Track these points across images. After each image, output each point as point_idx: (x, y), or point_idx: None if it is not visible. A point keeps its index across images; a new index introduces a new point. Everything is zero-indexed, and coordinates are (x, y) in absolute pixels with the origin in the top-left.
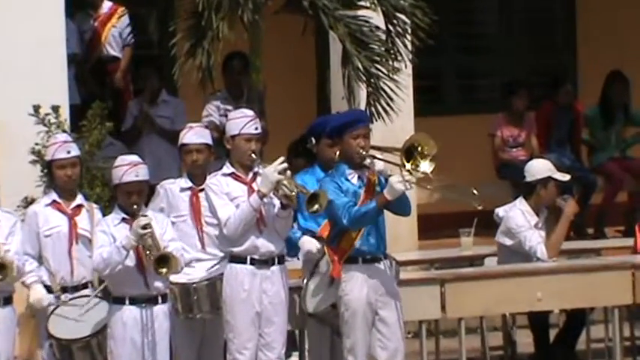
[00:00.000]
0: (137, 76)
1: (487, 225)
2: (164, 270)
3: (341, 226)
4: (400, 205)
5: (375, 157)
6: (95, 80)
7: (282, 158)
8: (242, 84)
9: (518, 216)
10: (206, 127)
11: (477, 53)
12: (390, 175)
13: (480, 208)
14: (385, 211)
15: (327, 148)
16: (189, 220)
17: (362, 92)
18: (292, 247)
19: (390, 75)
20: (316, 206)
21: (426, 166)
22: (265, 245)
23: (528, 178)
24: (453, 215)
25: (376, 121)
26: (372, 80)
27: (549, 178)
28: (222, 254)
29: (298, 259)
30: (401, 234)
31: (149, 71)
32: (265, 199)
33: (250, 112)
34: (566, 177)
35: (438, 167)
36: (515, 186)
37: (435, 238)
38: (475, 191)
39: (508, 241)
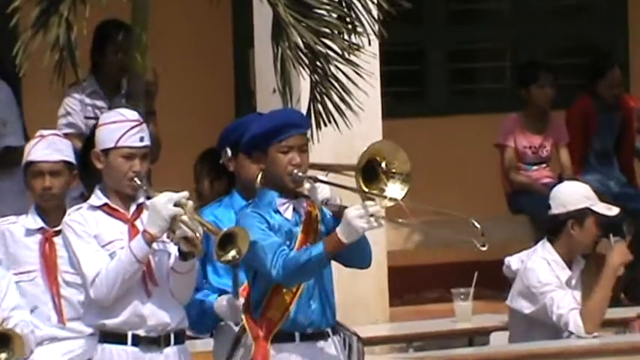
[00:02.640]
0: None
1: (493, 282)
2: (3, 356)
3: (268, 280)
4: (355, 251)
5: (316, 180)
6: None
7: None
8: (120, 70)
9: (542, 268)
10: (65, 135)
11: (477, 22)
12: (341, 207)
13: (484, 248)
14: (332, 262)
15: (250, 164)
16: (39, 279)
17: (303, 82)
18: (202, 318)
19: (346, 55)
20: (232, 252)
21: (395, 190)
22: (155, 315)
23: (555, 210)
24: (440, 268)
25: (325, 125)
26: (319, 63)
27: (587, 210)
28: (89, 330)
29: (211, 335)
30: (363, 296)
31: None
32: (156, 245)
33: (133, 114)
34: (614, 211)
35: (414, 192)
36: (537, 223)
37: (414, 302)
38: (476, 223)
39: (526, 307)
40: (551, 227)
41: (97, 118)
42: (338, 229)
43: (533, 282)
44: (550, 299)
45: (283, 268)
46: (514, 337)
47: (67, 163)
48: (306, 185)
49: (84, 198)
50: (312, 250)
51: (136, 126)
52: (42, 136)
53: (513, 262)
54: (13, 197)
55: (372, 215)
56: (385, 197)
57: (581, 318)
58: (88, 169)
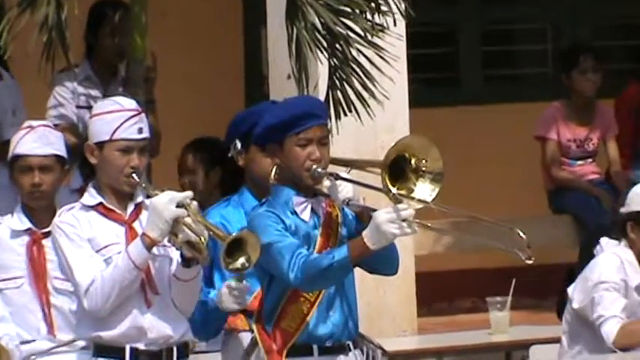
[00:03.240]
0: None
1: (533, 290)
2: None
3: (284, 285)
4: (382, 257)
5: (338, 177)
6: None
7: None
8: (117, 54)
9: (611, 265)
10: (55, 126)
11: (515, 0)
12: (365, 208)
13: (530, 262)
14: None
15: (263, 158)
16: (26, 286)
17: (321, 67)
18: (206, 320)
19: (369, 37)
20: (241, 260)
21: (424, 191)
22: (156, 327)
23: (621, 208)
24: (474, 273)
25: (345, 115)
26: (339, 46)
27: None
28: (82, 342)
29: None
30: (389, 305)
31: None
32: (156, 250)
33: (130, 103)
34: None
35: (446, 189)
36: (581, 224)
37: (445, 313)
38: (521, 233)
39: (578, 300)
40: (619, 224)
41: (90, 108)
42: (365, 234)
43: (594, 275)
44: (600, 297)
45: (302, 271)
46: (569, 341)
47: (58, 157)
48: (326, 183)
49: (82, 192)
50: (335, 254)
51: (134, 116)
52: (31, 127)
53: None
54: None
55: (404, 220)
56: (413, 199)
57: (619, 327)
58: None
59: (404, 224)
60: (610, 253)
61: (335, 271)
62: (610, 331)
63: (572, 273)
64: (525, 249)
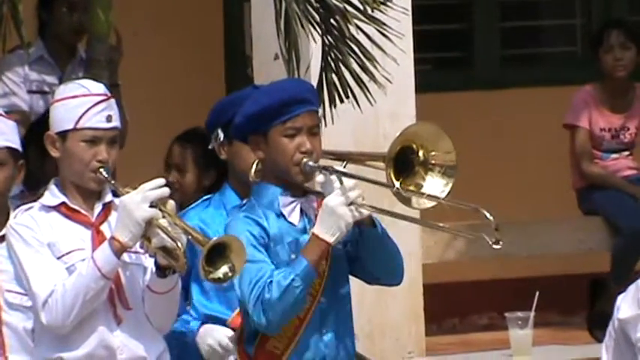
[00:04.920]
0: None
1: (560, 304)
2: None
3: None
4: (384, 262)
5: (333, 171)
6: None
7: (160, 180)
8: (76, 32)
9: None
10: (6, 113)
11: None
12: (356, 206)
13: (497, 247)
14: (352, 278)
15: (248, 151)
16: None
17: (313, 46)
18: (183, 354)
19: (369, 11)
20: (223, 269)
21: (435, 186)
22: (128, 347)
23: None
24: (491, 285)
25: (341, 101)
26: (334, 21)
27: None
28: None
29: None
30: (392, 324)
31: None
32: (127, 257)
33: (98, 87)
34: None
35: (457, 187)
36: (615, 227)
37: (457, 331)
38: (487, 214)
39: (625, 310)
40: None
41: (43, 93)
42: (317, 228)
43: None
44: None
45: (264, 311)
46: (607, 356)
47: (11, 150)
48: (318, 179)
49: (25, 197)
50: (293, 268)
51: (102, 101)
52: None
53: None
54: None
55: (354, 200)
56: (423, 194)
57: None
58: (28, 159)
59: (357, 205)
60: None
61: (300, 288)
62: None
63: (596, 285)
64: (492, 232)
